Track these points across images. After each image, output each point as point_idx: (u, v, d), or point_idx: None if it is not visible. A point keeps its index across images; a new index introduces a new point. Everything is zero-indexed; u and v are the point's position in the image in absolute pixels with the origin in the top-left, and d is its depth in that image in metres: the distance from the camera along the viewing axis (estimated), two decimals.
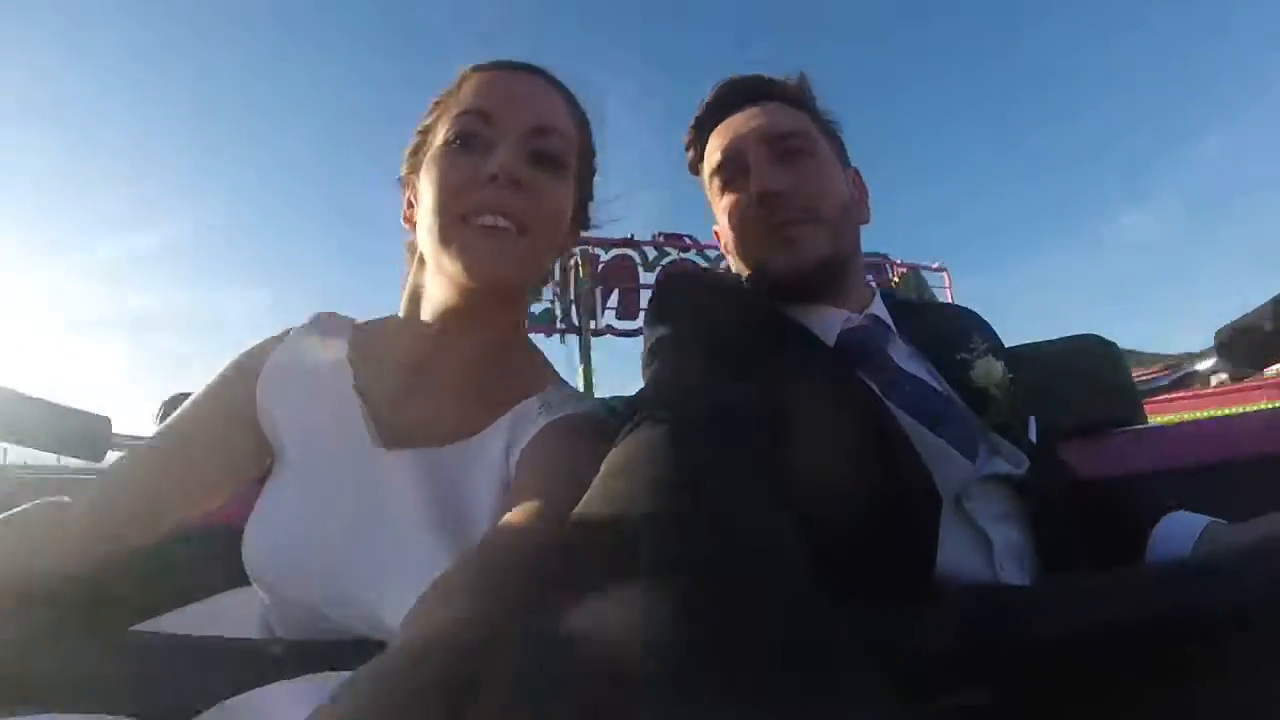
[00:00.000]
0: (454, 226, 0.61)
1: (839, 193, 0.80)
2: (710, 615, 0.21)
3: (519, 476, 0.59)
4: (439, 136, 0.65)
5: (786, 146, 0.79)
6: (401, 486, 0.61)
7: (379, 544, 0.60)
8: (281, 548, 0.62)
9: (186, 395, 1.15)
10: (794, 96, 0.84)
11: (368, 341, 0.71)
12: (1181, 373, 1.33)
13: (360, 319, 0.75)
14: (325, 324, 0.73)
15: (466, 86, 0.67)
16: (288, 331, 0.72)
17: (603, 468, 0.41)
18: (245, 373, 0.69)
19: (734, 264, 0.86)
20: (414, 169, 0.69)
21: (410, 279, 0.70)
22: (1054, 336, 1.05)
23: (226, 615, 0.72)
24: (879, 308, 0.82)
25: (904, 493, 0.60)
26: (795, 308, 0.78)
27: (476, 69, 0.69)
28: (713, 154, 0.84)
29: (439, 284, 0.65)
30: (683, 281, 0.79)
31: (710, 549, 0.26)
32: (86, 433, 1.26)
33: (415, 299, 0.69)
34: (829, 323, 0.77)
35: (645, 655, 0.20)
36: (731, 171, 0.81)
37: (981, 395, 0.73)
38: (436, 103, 0.70)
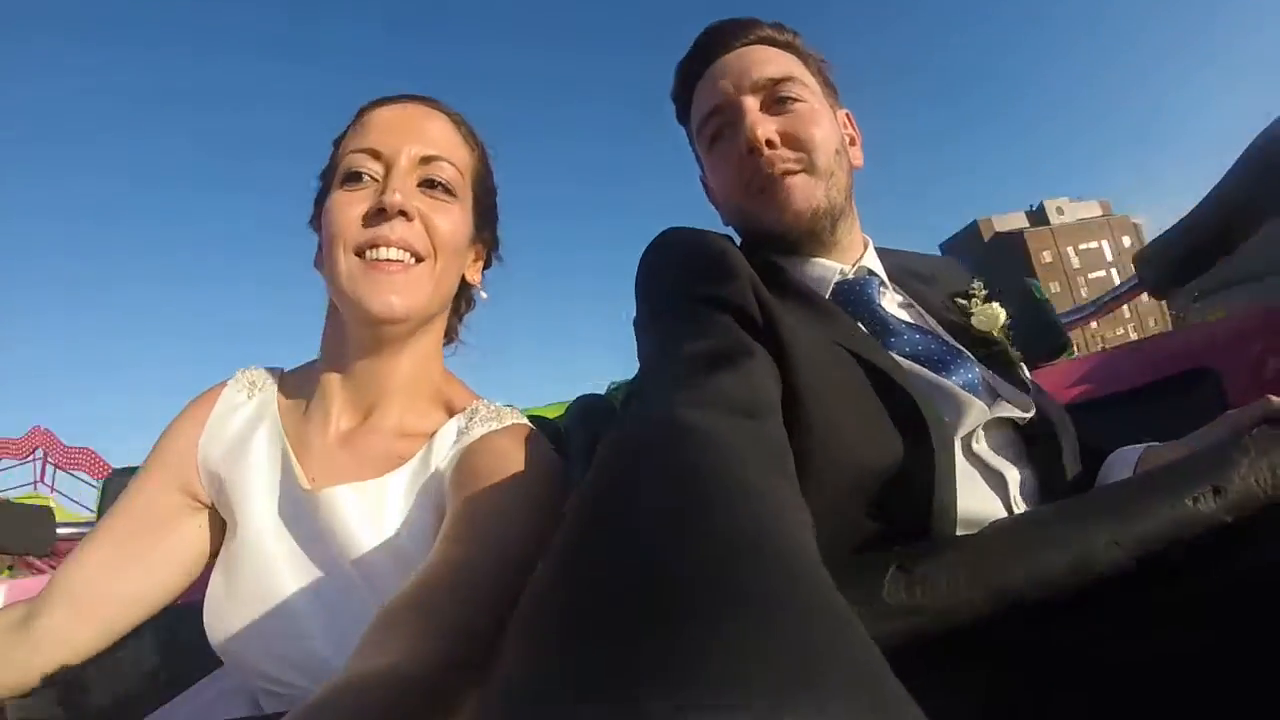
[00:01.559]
0: (349, 264, 0.62)
1: (831, 140, 0.77)
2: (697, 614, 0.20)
3: (454, 492, 0.59)
4: (336, 176, 0.67)
5: (777, 93, 0.76)
6: (337, 527, 0.60)
7: (322, 597, 0.60)
8: (234, 619, 0.61)
9: (129, 470, 1.11)
10: (782, 39, 0.81)
11: (294, 390, 0.71)
12: (1107, 297, 1.38)
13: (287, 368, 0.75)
14: (253, 380, 0.73)
15: (357, 125, 0.68)
16: (219, 389, 0.72)
17: (596, 458, 0.38)
18: (185, 440, 0.68)
19: (724, 216, 0.84)
20: (320, 214, 0.70)
21: (326, 321, 0.70)
22: None
23: (224, 690, 0.71)
24: (872, 259, 0.80)
25: (914, 439, 0.60)
26: (789, 260, 0.77)
27: (366, 107, 0.70)
28: (700, 103, 0.81)
29: (348, 323, 0.66)
30: (676, 236, 0.76)
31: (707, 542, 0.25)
32: (28, 526, 1.21)
33: (334, 338, 0.69)
34: (823, 276, 0.76)
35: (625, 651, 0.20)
36: (720, 121, 0.78)
37: (985, 340, 0.74)
38: (335, 144, 0.71)
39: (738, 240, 0.81)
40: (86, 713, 0.67)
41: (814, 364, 0.61)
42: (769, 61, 0.78)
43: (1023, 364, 0.77)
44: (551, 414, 0.90)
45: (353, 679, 0.34)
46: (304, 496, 0.62)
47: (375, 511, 0.61)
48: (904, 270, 0.84)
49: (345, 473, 0.64)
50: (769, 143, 0.73)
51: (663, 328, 0.63)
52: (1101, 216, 51.47)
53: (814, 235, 0.76)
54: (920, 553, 0.45)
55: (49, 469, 12.14)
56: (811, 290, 0.73)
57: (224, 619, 0.62)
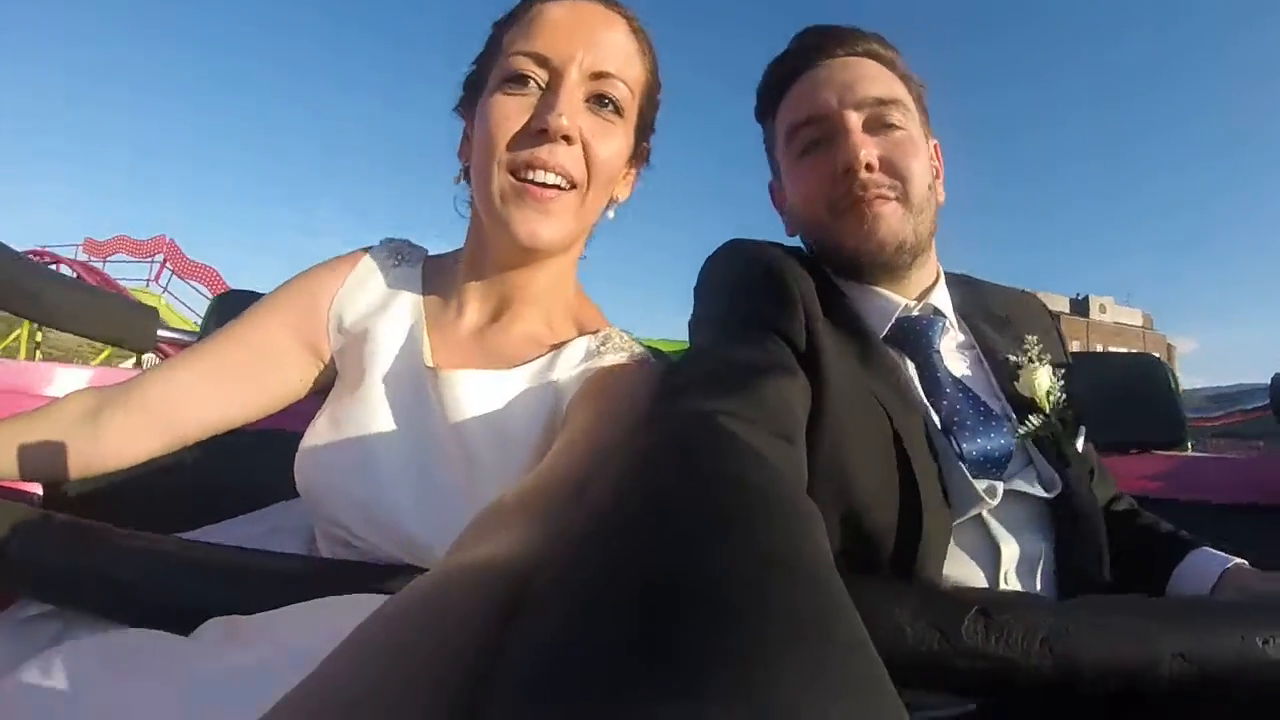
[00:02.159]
0: (502, 182, 0.60)
1: (926, 174, 0.73)
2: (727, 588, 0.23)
3: (577, 406, 0.59)
4: (496, 73, 0.63)
5: (881, 115, 0.72)
6: (451, 408, 0.61)
7: (421, 470, 0.61)
8: (329, 467, 0.63)
9: (240, 293, 1.16)
10: (887, 55, 0.75)
11: (436, 274, 0.72)
12: (1233, 409, 1.30)
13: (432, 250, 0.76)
14: (399, 251, 0.73)
15: (526, 20, 0.63)
16: (364, 252, 0.72)
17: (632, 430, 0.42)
18: (320, 290, 0.69)
19: (794, 227, 0.81)
20: (470, 101, 0.67)
21: (472, 218, 0.69)
22: None
23: (279, 526, 0.73)
24: (940, 295, 0.76)
25: (912, 510, 0.60)
26: (854, 287, 0.74)
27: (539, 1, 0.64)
28: (795, 107, 0.76)
29: (490, 235, 0.65)
30: (738, 252, 0.75)
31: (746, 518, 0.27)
32: (133, 322, 1.30)
33: (476, 237, 0.68)
34: (886, 309, 0.73)
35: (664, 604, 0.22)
36: (816, 133, 0.74)
37: (1028, 404, 0.70)
38: (495, 28, 0.66)
39: (806, 251, 0.79)
40: (141, 512, 0.69)
41: (844, 409, 0.62)
42: (876, 79, 0.73)
43: (1078, 428, 0.72)
44: (667, 349, 0.89)
45: (451, 569, 0.35)
46: (427, 373, 0.63)
47: (491, 402, 0.62)
48: (978, 307, 0.80)
49: (470, 360, 0.65)
50: (868, 166, 0.69)
51: (712, 334, 0.66)
52: (1140, 327, 50.40)
53: (888, 267, 0.72)
54: (1007, 602, 0.46)
55: (165, 272, 12.86)
56: (867, 327, 0.71)
57: (320, 462, 0.64)
